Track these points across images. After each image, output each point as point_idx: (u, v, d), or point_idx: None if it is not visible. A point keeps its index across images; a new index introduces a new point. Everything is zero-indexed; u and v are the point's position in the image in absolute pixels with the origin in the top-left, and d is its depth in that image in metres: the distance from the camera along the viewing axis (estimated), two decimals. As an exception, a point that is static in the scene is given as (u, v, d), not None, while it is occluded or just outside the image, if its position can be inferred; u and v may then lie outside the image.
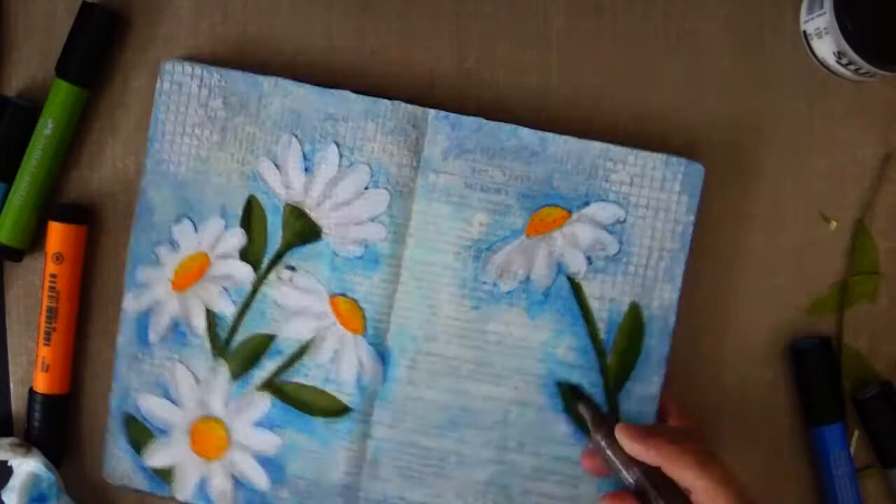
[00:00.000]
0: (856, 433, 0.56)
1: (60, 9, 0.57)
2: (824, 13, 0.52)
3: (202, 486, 0.56)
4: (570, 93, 0.56)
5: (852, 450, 0.55)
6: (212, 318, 0.55)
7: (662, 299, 0.54)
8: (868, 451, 0.56)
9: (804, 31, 0.55)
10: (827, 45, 0.53)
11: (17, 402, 0.58)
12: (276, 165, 0.55)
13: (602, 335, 0.54)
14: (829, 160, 0.56)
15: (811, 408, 0.55)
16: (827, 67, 0.55)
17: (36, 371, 0.56)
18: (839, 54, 0.53)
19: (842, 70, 0.54)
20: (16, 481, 0.55)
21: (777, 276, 0.56)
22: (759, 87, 0.55)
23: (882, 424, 0.55)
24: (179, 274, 0.56)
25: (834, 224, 0.56)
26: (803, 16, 0.55)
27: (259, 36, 0.56)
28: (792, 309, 0.56)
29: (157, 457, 0.56)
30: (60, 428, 0.57)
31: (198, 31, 0.57)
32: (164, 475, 0.56)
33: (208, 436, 0.56)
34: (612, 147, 0.54)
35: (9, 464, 0.56)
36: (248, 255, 0.55)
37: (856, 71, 0.53)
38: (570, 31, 0.56)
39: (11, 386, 0.58)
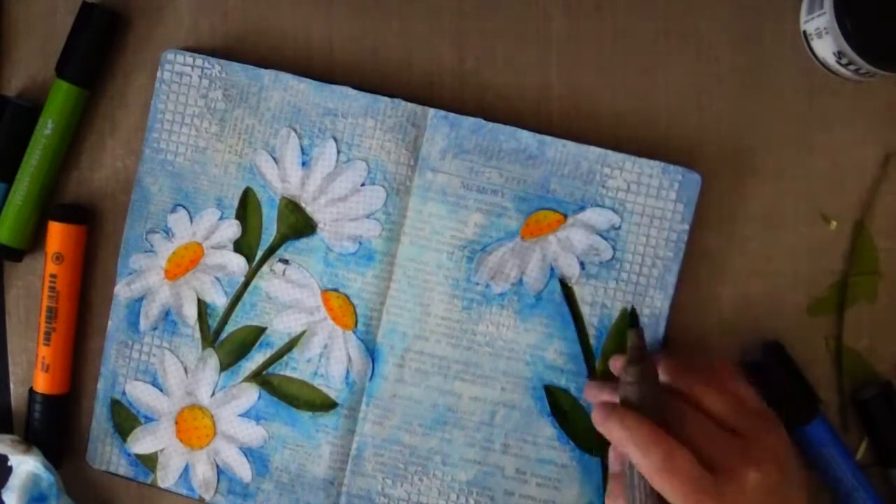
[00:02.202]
0: (864, 441, 0.56)
1: (60, 9, 0.57)
2: (824, 13, 0.52)
3: (185, 474, 0.56)
4: (570, 93, 0.56)
5: (859, 456, 0.55)
6: (203, 307, 0.56)
7: (654, 307, 0.54)
8: (868, 451, 0.56)
9: (804, 31, 0.55)
10: (827, 45, 0.53)
11: (17, 402, 0.58)
12: (274, 158, 0.55)
13: (592, 341, 0.54)
14: (829, 160, 0.55)
15: (783, 413, 0.53)
16: (827, 67, 0.55)
17: (36, 371, 0.56)
18: (839, 54, 0.53)
19: (842, 70, 0.54)
20: (15, 481, 0.55)
21: (777, 276, 0.56)
22: (759, 88, 0.55)
23: (882, 424, 0.55)
24: (172, 262, 0.56)
25: (834, 224, 0.56)
26: (803, 16, 0.55)
27: (259, 36, 0.56)
28: (792, 309, 0.56)
29: (142, 443, 0.56)
30: (60, 428, 0.57)
31: (198, 31, 0.57)
32: (147, 462, 0.56)
33: (194, 424, 0.56)
34: (609, 153, 0.54)
35: (9, 463, 0.56)
36: (242, 246, 0.55)
37: (856, 71, 0.53)
38: (570, 31, 0.56)
39: (11, 386, 0.58)
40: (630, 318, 0.52)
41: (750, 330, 0.56)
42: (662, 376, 0.50)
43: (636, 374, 0.48)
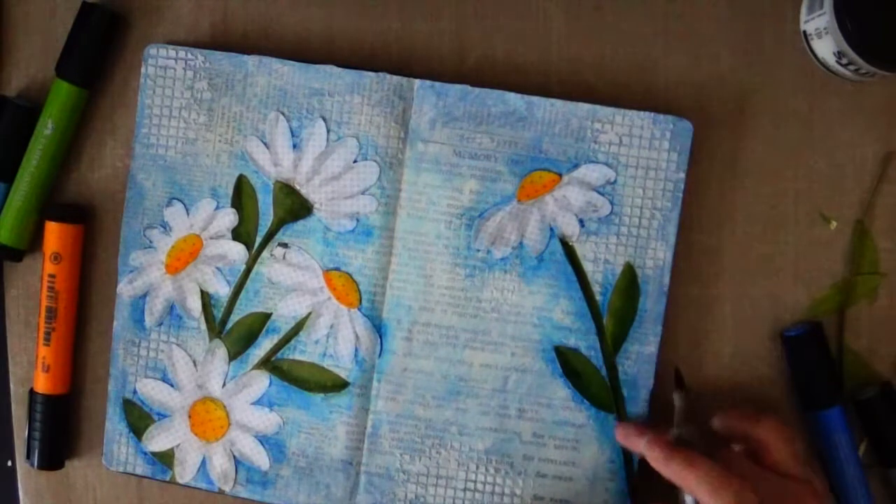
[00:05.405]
0: (864, 441, 0.56)
1: (60, 9, 0.57)
2: (824, 13, 0.52)
3: (203, 467, 0.56)
4: (570, 93, 0.55)
5: (860, 453, 0.55)
6: (207, 299, 0.56)
7: (656, 258, 0.54)
8: (868, 451, 0.56)
9: (804, 31, 0.55)
10: (827, 45, 0.53)
11: (18, 402, 0.58)
12: (265, 143, 0.55)
13: (598, 297, 0.54)
14: (829, 160, 0.56)
15: (807, 393, 0.55)
16: (827, 67, 0.55)
17: (36, 371, 0.56)
18: (839, 54, 0.53)
19: (842, 70, 0.54)
20: None
21: (777, 276, 0.56)
22: (758, 88, 0.55)
23: (882, 424, 0.55)
24: (172, 257, 0.56)
25: (834, 224, 0.56)
26: (803, 16, 0.55)
27: (259, 37, 0.56)
28: (792, 309, 0.56)
29: (158, 441, 0.56)
30: (61, 428, 0.57)
31: (198, 31, 0.57)
32: (164, 459, 0.56)
33: (208, 417, 0.56)
34: (598, 108, 0.54)
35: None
36: (241, 234, 0.55)
37: (856, 71, 0.53)
38: (570, 31, 0.56)
39: (11, 386, 0.58)
40: (675, 380, 0.52)
41: (750, 330, 0.56)
42: (724, 422, 0.52)
43: (690, 432, 0.50)
